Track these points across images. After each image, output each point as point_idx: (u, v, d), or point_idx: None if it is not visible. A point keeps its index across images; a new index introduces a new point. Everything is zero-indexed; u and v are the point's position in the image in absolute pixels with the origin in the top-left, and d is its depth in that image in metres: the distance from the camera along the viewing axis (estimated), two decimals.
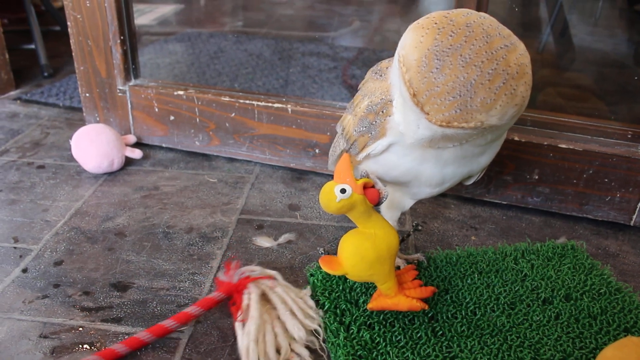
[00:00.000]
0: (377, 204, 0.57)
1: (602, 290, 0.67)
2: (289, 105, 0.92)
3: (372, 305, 0.60)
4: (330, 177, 0.89)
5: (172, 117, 0.98)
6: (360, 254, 0.57)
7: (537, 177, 0.85)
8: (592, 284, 0.68)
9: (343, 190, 0.54)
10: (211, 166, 0.98)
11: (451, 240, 0.80)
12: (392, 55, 0.58)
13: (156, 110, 0.98)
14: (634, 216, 0.84)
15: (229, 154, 0.99)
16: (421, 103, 0.49)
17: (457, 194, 0.91)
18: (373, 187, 0.58)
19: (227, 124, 0.96)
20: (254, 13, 2.15)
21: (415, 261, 0.71)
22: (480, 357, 0.56)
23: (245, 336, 0.57)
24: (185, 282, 0.69)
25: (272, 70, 1.43)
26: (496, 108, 0.48)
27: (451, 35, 0.49)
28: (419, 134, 0.52)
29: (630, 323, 0.62)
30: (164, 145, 1.02)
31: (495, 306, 0.64)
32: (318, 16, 2.15)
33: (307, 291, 0.66)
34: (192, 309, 0.61)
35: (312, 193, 0.91)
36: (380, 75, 0.60)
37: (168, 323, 0.59)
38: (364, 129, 0.60)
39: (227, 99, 0.94)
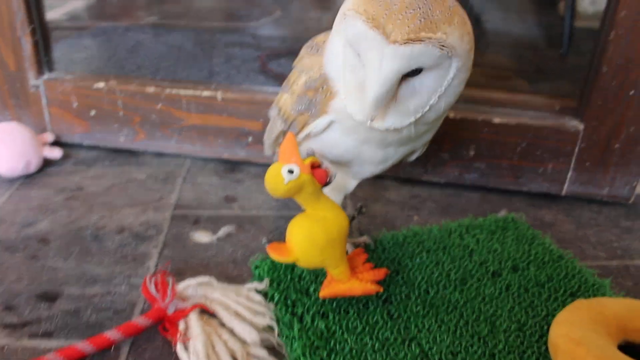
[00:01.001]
0: (325, 184, 0.55)
1: (545, 259, 0.68)
2: (218, 93, 0.87)
3: (325, 292, 0.58)
4: (266, 166, 0.87)
5: (93, 112, 0.91)
6: (311, 238, 0.54)
7: (473, 153, 0.86)
8: (535, 254, 0.69)
9: (290, 171, 0.51)
10: (138, 162, 0.92)
11: (394, 222, 0.79)
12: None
13: (75, 105, 0.90)
14: (565, 186, 0.86)
15: (157, 148, 0.93)
16: (382, 25, 0.46)
17: (395, 175, 0.90)
18: (319, 167, 0.55)
19: (153, 116, 0.90)
20: (170, 5, 2.06)
21: (362, 244, 0.70)
22: (439, 335, 0.55)
23: (193, 356, 0.52)
24: (121, 285, 0.64)
25: (195, 62, 1.37)
26: (454, 24, 0.47)
27: None
28: (384, 71, 0.47)
29: (575, 287, 0.63)
30: (85, 142, 0.95)
31: (447, 283, 0.63)
32: (238, 7, 2.10)
33: (251, 285, 0.62)
34: (111, 334, 0.54)
35: (248, 183, 0.87)
36: (317, 50, 0.58)
37: (80, 346, 0.53)
38: (303, 107, 0.57)
39: (152, 89, 0.88)
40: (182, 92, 0.88)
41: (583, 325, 0.52)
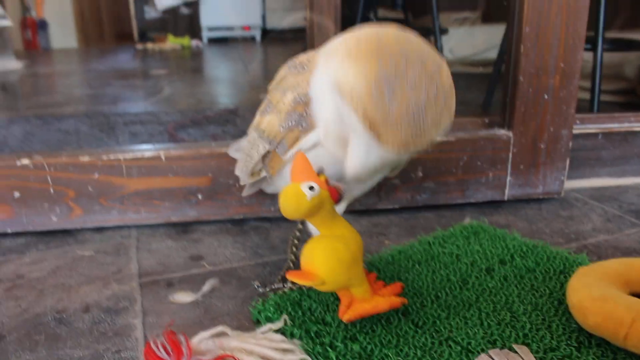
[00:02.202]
0: (337, 201, 0.54)
1: (524, 250, 0.72)
2: (161, 152, 0.83)
3: (350, 315, 0.55)
4: (221, 222, 0.85)
5: (17, 194, 0.82)
6: (336, 256, 0.53)
7: (421, 174, 0.90)
8: (514, 247, 0.73)
9: (311, 188, 0.50)
10: (78, 240, 0.84)
11: (369, 249, 0.79)
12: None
13: None
14: (506, 191, 0.93)
15: (96, 223, 0.85)
16: (379, 132, 0.48)
17: (350, 209, 0.91)
18: (328, 184, 0.55)
19: (89, 188, 0.83)
20: (47, 96, 1.96)
21: None
22: (470, 330, 0.55)
23: None
24: None
25: (101, 143, 1.31)
26: (441, 125, 0.51)
27: (392, 62, 0.48)
28: (369, 161, 0.52)
29: (561, 266, 0.68)
30: (9, 230, 0.84)
31: (451, 286, 0.64)
32: (119, 91, 2.05)
33: (265, 328, 0.58)
34: None
35: (209, 241, 0.83)
36: (303, 68, 0.59)
37: None
38: (294, 122, 0.57)
39: (86, 158, 0.82)
40: (122, 156, 0.82)
41: (597, 285, 0.55)
